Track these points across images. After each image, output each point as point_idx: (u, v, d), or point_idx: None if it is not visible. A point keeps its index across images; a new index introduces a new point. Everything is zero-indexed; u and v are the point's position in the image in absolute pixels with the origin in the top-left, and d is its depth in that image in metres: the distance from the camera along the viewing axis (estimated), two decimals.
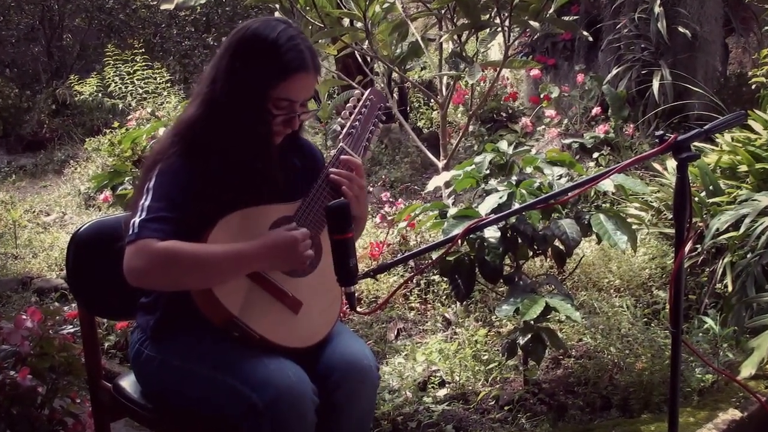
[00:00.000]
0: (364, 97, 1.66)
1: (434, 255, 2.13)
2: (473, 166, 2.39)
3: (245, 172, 1.49)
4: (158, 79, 6.63)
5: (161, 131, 3.92)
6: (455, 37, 3.26)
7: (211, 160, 1.47)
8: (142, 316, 1.59)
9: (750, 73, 4.43)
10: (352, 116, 1.63)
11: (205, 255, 1.39)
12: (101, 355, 1.88)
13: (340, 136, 1.61)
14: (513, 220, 2.15)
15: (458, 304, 2.96)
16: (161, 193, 1.42)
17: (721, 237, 2.77)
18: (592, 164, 4.51)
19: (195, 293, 1.45)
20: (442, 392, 2.42)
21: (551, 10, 2.94)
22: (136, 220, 1.38)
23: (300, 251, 1.45)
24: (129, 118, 5.28)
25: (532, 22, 2.95)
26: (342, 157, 1.58)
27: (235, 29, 1.53)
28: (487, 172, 2.38)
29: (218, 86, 1.48)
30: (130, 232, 1.37)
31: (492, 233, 2.16)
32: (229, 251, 1.41)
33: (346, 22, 3.87)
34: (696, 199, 3.00)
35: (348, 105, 1.65)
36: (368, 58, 3.76)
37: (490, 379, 2.46)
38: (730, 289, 2.66)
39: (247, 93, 1.46)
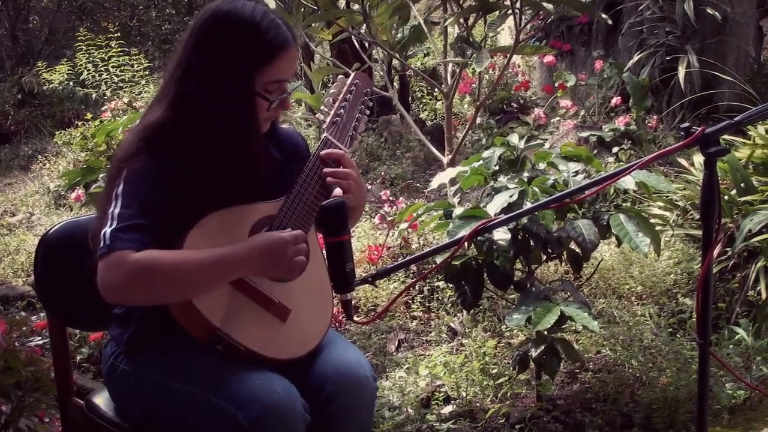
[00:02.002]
0: (348, 82, 1.66)
1: (438, 259, 2.12)
2: (481, 162, 2.39)
3: (226, 168, 1.48)
4: (135, 66, 6.64)
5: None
6: (461, 20, 3.26)
7: (184, 158, 1.46)
8: (115, 328, 1.59)
9: None
10: (336, 104, 1.63)
11: (187, 264, 1.38)
12: (73, 369, 1.88)
13: (324, 126, 1.61)
14: (525, 220, 2.15)
15: (465, 312, 2.96)
16: (131, 197, 1.41)
17: (753, 239, 2.77)
18: (611, 159, 4.51)
19: (172, 304, 1.44)
20: (447, 409, 2.42)
21: None
22: (107, 230, 1.37)
23: (290, 256, 1.44)
24: (103, 109, 5.29)
25: (545, 4, 2.95)
26: (321, 153, 1.57)
27: (198, 16, 1.50)
28: (497, 168, 2.37)
29: (192, 84, 1.45)
30: (101, 244, 1.36)
31: (502, 235, 2.16)
32: (212, 258, 1.40)
33: (342, 4, 3.88)
34: (726, 197, 3.00)
35: (331, 92, 1.65)
36: (366, 44, 3.76)
37: (499, 395, 2.46)
38: (763, 296, 2.66)
39: (234, 84, 1.45)
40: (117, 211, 1.39)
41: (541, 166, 2.39)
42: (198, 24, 1.49)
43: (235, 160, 1.49)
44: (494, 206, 2.11)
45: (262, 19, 1.46)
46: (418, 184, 4.93)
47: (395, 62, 5.93)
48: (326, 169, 1.55)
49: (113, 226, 1.37)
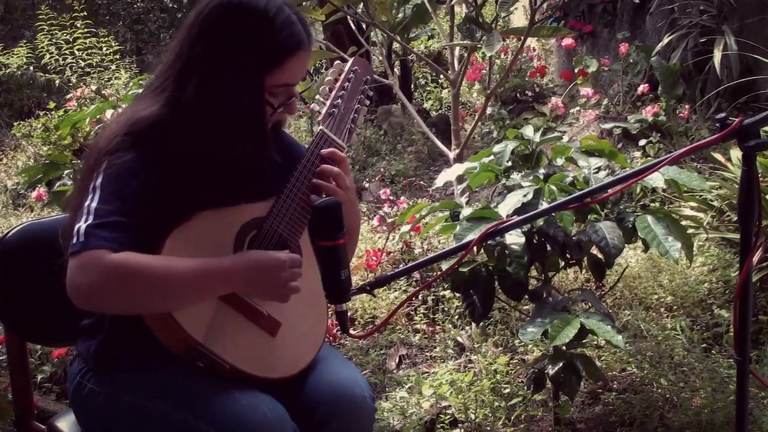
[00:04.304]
0: (347, 69, 1.67)
1: (444, 265, 2.13)
2: (491, 157, 2.40)
3: (222, 169, 1.49)
4: (104, 49, 6.64)
5: (108, 114, 3.93)
6: None
7: (177, 158, 1.46)
8: (83, 341, 1.59)
9: None
10: (333, 93, 1.64)
11: (170, 271, 1.38)
12: (33, 389, 1.88)
13: (319, 118, 1.62)
14: (540, 222, 2.15)
15: (473, 325, 2.96)
16: (112, 192, 1.41)
17: None
18: (637, 154, 4.52)
19: (148, 315, 1.45)
20: None
21: None
22: (82, 225, 1.36)
23: (284, 279, 1.45)
24: (68, 97, 5.30)
25: None
26: (323, 151, 1.58)
27: (204, 1, 1.49)
28: (509, 164, 2.38)
29: (194, 81, 1.46)
30: (75, 240, 1.35)
31: (515, 239, 2.17)
32: (198, 268, 1.40)
33: None
34: (767, 196, 3.01)
35: (327, 79, 1.65)
36: (363, 25, 3.77)
37: (512, 418, 2.47)
38: None
39: (239, 87, 1.45)
40: (94, 205, 1.39)
41: (559, 161, 2.39)
42: (204, 11, 1.48)
43: (238, 162, 1.50)
44: (506, 207, 2.11)
45: (276, 14, 1.46)
46: (421, 182, 4.94)
47: (396, 45, 5.94)
48: (321, 166, 1.57)
49: (89, 222, 1.36)
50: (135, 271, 1.35)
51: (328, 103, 1.63)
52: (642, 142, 4.59)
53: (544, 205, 2.09)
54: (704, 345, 2.78)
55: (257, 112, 1.49)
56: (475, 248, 1.77)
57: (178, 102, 1.47)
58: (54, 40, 6.70)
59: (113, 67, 6.51)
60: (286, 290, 1.47)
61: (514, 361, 2.77)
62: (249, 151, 1.50)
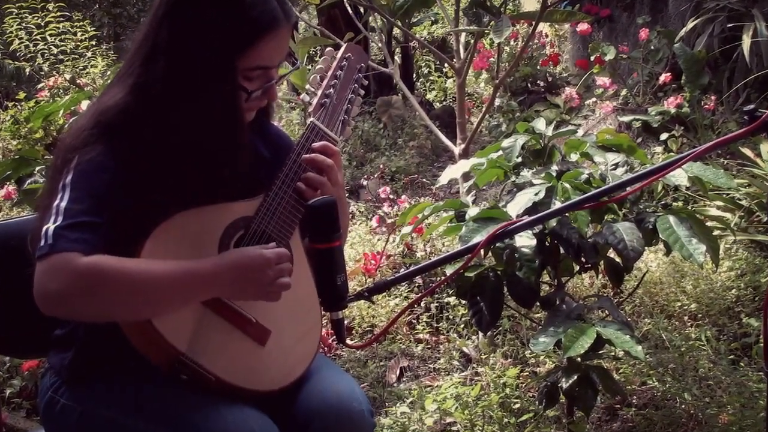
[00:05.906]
0: (339, 56, 1.68)
1: (449, 270, 2.13)
2: (500, 153, 2.40)
3: (199, 163, 1.49)
4: (79, 35, 6.64)
5: (84, 105, 3.94)
6: None
7: (148, 150, 1.46)
8: (56, 353, 1.59)
9: None
10: (324, 82, 1.65)
11: (147, 275, 1.38)
12: (1, 405, 1.88)
13: (310, 109, 1.62)
14: (553, 223, 2.16)
15: (480, 334, 2.97)
16: (82, 190, 1.41)
17: None
18: (659, 149, 4.53)
19: (126, 323, 1.45)
20: None
21: None
22: (50, 226, 1.37)
23: (271, 277, 1.45)
24: (40, 86, 5.30)
25: None
26: (314, 144, 1.59)
27: None
28: (519, 160, 2.38)
29: (159, 65, 1.46)
30: (43, 242, 1.36)
31: (525, 241, 2.17)
32: (176, 271, 1.40)
33: None
34: None
35: (318, 68, 1.66)
36: (361, 9, 3.77)
37: None
38: None
39: (207, 71, 1.45)
40: (64, 204, 1.39)
41: (574, 157, 2.39)
42: None
43: (212, 154, 1.50)
44: (516, 206, 2.12)
45: None
46: (423, 180, 4.95)
47: (396, 31, 5.95)
48: (305, 156, 1.57)
49: (58, 222, 1.37)
50: (108, 275, 1.35)
51: (319, 93, 1.63)
52: (664, 136, 4.59)
53: (557, 205, 2.09)
54: (731, 356, 2.78)
55: (229, 96, 1.49)
56: (482, 251, 1.77)
57: (144, 87, 1.47)
58: (24, 25, 6.70)
59: (89, 54, 6.51)
60: (275, 288, 1.46)
61: (525, 373, 2.77)
62: (221, 140, 1.50)
